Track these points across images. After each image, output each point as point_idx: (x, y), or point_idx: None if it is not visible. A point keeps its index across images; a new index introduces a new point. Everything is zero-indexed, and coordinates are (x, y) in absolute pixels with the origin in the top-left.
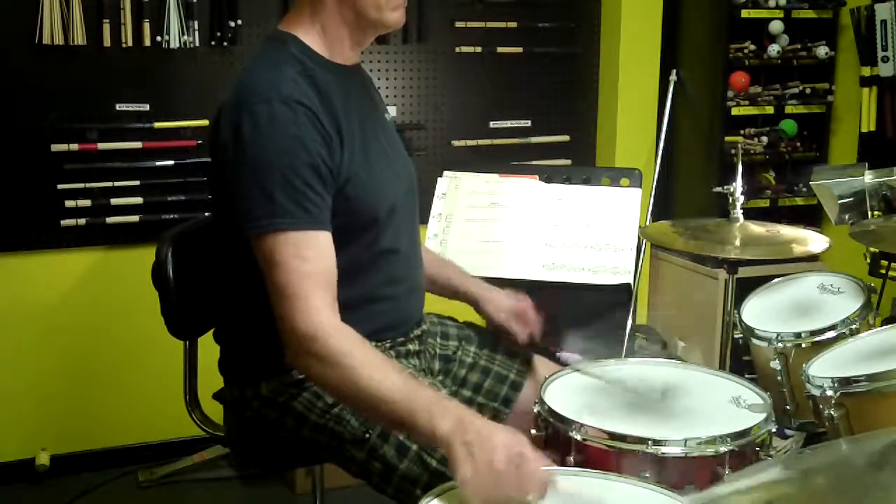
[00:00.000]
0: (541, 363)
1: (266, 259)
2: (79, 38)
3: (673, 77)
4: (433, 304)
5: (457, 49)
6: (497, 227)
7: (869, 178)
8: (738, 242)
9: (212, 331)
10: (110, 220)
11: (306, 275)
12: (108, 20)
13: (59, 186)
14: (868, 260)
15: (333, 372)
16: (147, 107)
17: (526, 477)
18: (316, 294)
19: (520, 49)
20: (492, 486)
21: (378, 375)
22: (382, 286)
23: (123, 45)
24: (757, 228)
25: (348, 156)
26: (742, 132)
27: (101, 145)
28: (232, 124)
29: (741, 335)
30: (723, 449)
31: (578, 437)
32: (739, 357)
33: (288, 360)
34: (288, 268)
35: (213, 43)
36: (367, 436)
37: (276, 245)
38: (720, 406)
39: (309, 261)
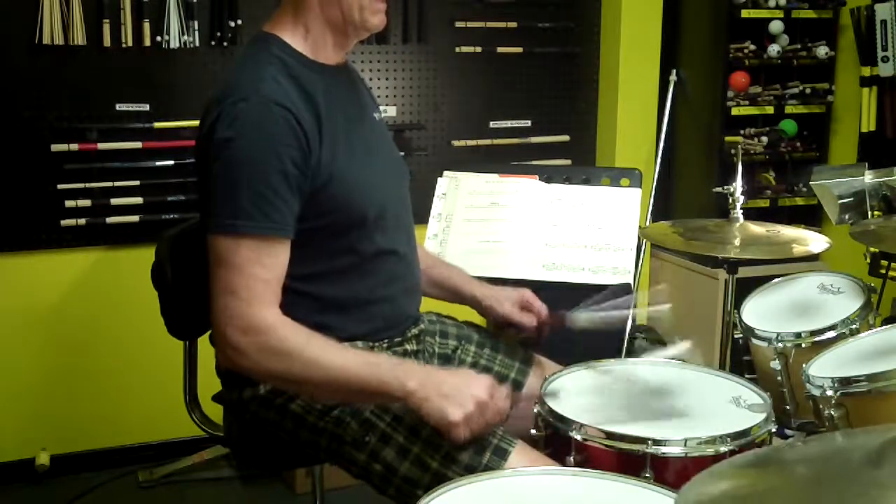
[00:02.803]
0: (541, 362)
1: (220, 257)
2: (79, 38)
3: (673, 77)
4: (432, 303)
5: (457, 49)
6: (497, 227)
7: (869, 178)
8: (738, 242)
9: (208, 334)
10: (110, 220)
11: (262, 280)
12: (108, 20)
13: (59, 186)
14: (868, 260)
15: (294, 362)
16: (147, 107)
17: (499, 405)
18: (268, 298)
19: (520, 49)
20: (477, 419)
21: (338, 356)
22: (381, 286)
23: (123, 45)
24: (757, 228)
25: (330, 154)
26: (742, 132)
27: (101, 145)
28: (210, 122)
29: (741, 335)
30: (723, 449)
31: (578, 437)
32: (739, 357)
33: (231, 361)
34: (245, 272)
35: (213, 43)
36: (367, 439)
37: (235, 247)
38: (720, 406)
39: (267, 268)
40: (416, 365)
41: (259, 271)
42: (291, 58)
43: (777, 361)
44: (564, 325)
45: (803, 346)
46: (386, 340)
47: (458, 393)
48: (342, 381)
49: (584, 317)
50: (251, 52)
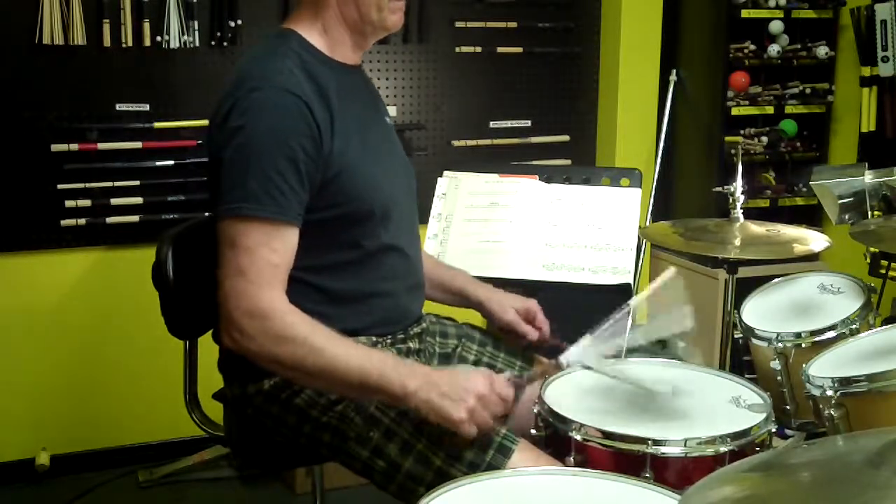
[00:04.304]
0: (543, 361)
1: (230, 240)
2: (79, 38)
3: (673, 77)
4: (431, 305)
5: (457, 49)
6: (497, 227)
7: (869, 178)
8: (738, 242)
9: (211, 331)
10: (110, 220)
11: (272, 264)
12: (108, 20)
13: (59, 186)
14: (868, 260)
15: (298, 349)
16: (147, 107)
17: (502, 394)
18: (276, 282)
19: (520, 49)
20: (481, 412)
21: (342, 347)
22: (383, 281)
23: (123, 45)
24: (757, 228)
25: (341, 147)
26: (742, 132)
27: (101, 145)
28: (223, 112)
29: (741, 335)
30: (723, 449)
31: (578, 438)
32: (739, 357)
33: (237, 344)
34: (254, 254)
35: (213, 43)
36: (371, 434)
37: (245, 230)
38: (720, 406)
39: (276, 252)
40: (418, 366)
41: (269, 255)
42: (308, 53)
43: (777, 361)
44: (563, 349)
45: (803, 346)
46: (389, 336)
47: (458, 389)
48: (343, 372)
49: (581, 352)
50: (270, 45)
